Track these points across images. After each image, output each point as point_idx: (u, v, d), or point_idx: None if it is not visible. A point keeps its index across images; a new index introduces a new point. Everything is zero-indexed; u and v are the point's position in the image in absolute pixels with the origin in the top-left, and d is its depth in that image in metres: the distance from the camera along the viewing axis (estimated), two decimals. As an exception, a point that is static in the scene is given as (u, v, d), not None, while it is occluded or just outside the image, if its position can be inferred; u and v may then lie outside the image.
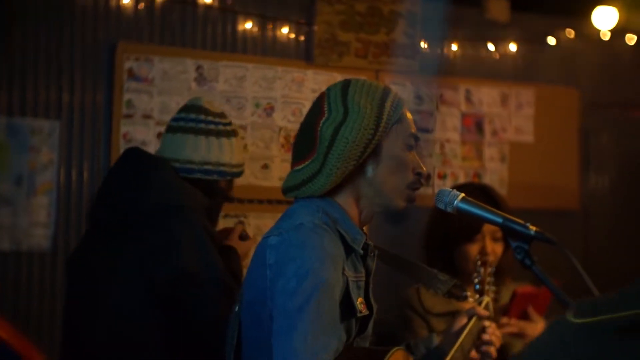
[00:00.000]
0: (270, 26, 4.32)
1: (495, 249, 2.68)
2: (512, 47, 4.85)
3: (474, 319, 2.17)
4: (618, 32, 4.89)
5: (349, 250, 1.83)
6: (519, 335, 2.55)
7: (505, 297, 2.64)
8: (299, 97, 4.34)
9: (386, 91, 1.91)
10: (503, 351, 2.36)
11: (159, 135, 3.88)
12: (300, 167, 1.88)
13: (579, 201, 5.05)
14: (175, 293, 2.31)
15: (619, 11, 4.72)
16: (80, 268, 2.52)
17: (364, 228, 1.93)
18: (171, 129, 2.57)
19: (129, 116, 3.99)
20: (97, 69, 3.98)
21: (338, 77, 4.20)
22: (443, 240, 2.73)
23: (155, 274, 2.31)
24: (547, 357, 0.88)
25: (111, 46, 3.99)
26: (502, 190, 4.58)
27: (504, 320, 2.53)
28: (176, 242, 2.32)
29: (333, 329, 1.67)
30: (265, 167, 4.26)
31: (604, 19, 4.73)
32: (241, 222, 2.73)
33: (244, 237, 2.62)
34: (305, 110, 2.01)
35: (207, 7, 4.18)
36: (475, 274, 2.38)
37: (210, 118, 2.53)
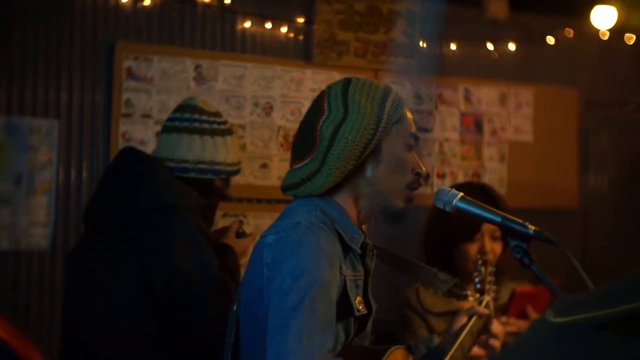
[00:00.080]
0: (269, 25, 4.32)
1: (494, 248, 2.68)
2: (511, 46, 4.85)
3: (474, 318, 2.17)
4: (617, 32, 4.89)
5: (347, 249, 1.83)
6: (518, 334, 2.55)
7: (504, 296, 2.64)
8: (298, 96, 4.34)
9: (387, 90, 1.91)
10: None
11: (157, 134, 3.88)
12: (299, 165, 1.88)
13: (578, 201, 5.05)
14: (170, 292, 2.31)
15: (618, 10, 4.72)
16: (78, 267, 2.53)
17: (363, 227, 1.93)
18: (166, 129, 2.58)
19: (127, 115, 3.99)
20: (96, 68, 3.98)
21: (337, 76, 4.20)
22: (442, 239, 2.73)
23: (151, 274, 2.32)
24: (525, 357, 0.88)
25: (110, 45, 3.99)
26: (501, 190, 4.58)
27: (503, 319, 2.53)
28: (171, 242, 2.32)
29: (328, 328, 1.67)
30: (264, 166, 4.26)
31: (603, 18, 4.73)
32: (240, 221, 2.72)
33: (240, 234, 2.61)
34: (304, 110, 2.01)
35: (206, 6, 4.18)
36: (475, 273, 2.38)
37: (204, 117, 2.54)
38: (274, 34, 4.35)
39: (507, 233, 1.69)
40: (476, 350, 2.17)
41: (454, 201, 1.78)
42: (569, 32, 4.91)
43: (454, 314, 2.37)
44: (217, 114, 2.58)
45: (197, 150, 2.49)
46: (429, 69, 4.56)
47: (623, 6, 4.72)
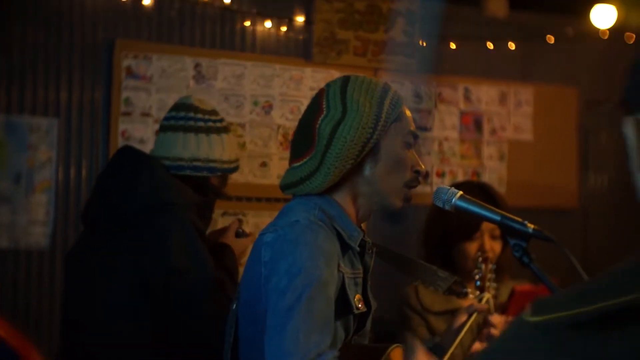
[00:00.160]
0: (268, 24, 4.32)
1: (493, 247, 2.68)
2: (511, 45, 4.85)
3: (474, 316, 2.17)
4: (617, 31, 4.89)
5: (345, 247, 1.83)
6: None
7: (503, 295, 2.64)
8: (298, 95, 4.34)
9: (385, 89, 1.90)
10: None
11: (157, 133, 3.88)
12: (298, 164, 1.88)
13: (578, 200, 5.05)
14: (165, 291, 2.32)
15: (618, 9, 4.71)
16: (77, 266, 2.53)
17: (362, 225, 1.93)
18: (162, 128, 2.59)
19: (127, 114, 3.99)
20: (96, 66, 3.98)
21: (336, 75, 4.18)
22: (442, 238, 2.73)
23: (147, 273, 2.33)
24: (502, 356, 0.88)
25: (109, 44, 3.98)
26: (500, 189, 4.58)
27: (503, 318, 2.53)
28: (165, 240, 2.33)
29: (326, 327, 1.67)
30: (264, 165, 4.26)
31: (603, 17, 4.73)
32: (239, 220, 2.72)
33: (240, 234, 2.61)
34: (303, 109, 2.01)
35: (206, 4, 4.17)
36: (476, 270, 2.38)
37: (199, 115, 2.54)
38: (273, 32, 4.34)
39: (506, 232, 1.69)
40: (477, 346, 2.17)
41: (454, 200, 1.78)
42: (569, 31, 4.90)
43: (453, 312, 2.38)
44: (213, 112, 2.59)
45: (192, 148, 2.50)
46: (428, 67, 4.56)
47: (623, 5, 4.71)
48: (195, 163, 2.50)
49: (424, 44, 4.61)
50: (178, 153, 2.50)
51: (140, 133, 3.99)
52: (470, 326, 2.14)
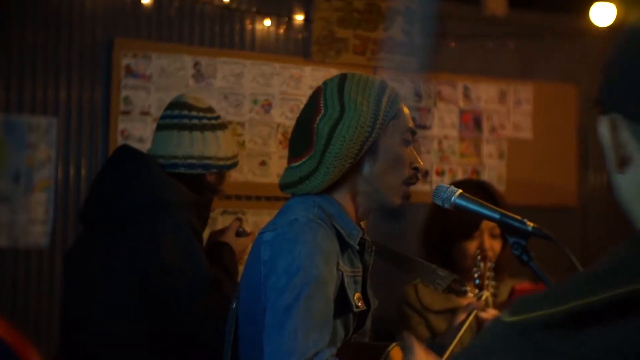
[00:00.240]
0: (268, 23, 4.32)
1: (493, 246, 2.68)
2: (511, 43, 4.85)
3: (473, 314, 2.17)
4: (616, 29, 4.88)
5: (345, 245, 1.82)
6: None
7: (503, 293, 2.64)
8: (297, 93, 4.34)
9: (382, 86, 1.90)
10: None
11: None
12: (297, 164, 1.88)
13: (577, 198, 5.05)
14: (159, 289, 2.33)
15: (617, 7, 4.71)
16: (76, 265, 2.54)
17: (362, 224, 1.93)
18: (158, 127, 2.60)
19: (126, 113, 3.99)
20: (95, 65, 3.98)
21: (336, 73, 4.18)
22: (441, 237, 2.73)
23: (141, 271, 2.34)
24: (478, 356, 0.88)
25: (108, 43, 3.98)
26: (500, 187, 4.58)
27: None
28: (159, 239, 2.33)
29: (325, 325, 1.67)
30: (263, 163, 4.26)
31: (602, 15, 4.72)
32: (239, 219, 2.72)
33: (240, 233, 2.61)
34: (303, 107, 2.01)
35: (205, 3, 4.17)
36: (475, 269, 2.38)
37: (194, 113, 2.55)
38: (273, 31, 4.34)
39: (505, 230, 1.68)
40: None
41: (453, 198, 1.78)
42: (569, 29, 4.90)
43: (453, 311, 2.38)
44: (208, 110, 2.59)
45: (186, 145, 2.51)
46: (427, 66, 4.56)
47: (622, 3, 4.71)
48: (189, 160, 2.50)
49: (423, 42, 4.61)
50: (172, 151, 2.51)
51: (139, 132, 3.99)
52: (470, 324, 2.14)
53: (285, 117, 4.30)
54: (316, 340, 1.62)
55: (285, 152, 1.95)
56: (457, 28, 4.72)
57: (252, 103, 4.26)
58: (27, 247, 3.83)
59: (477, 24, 4.77)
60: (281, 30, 4.35)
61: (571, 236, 4.84)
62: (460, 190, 1.79)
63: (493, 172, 4.84)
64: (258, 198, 4.25)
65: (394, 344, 1.81)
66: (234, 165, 2.62)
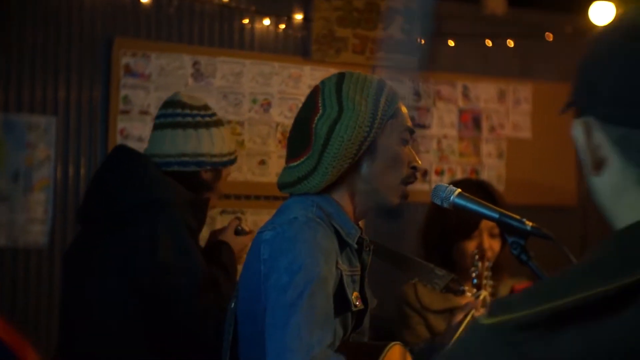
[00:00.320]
0: (267, 22, 4.32)
1: (492, 246, 2.68)
2: (510, 42, 4.85)
3: (471, 313, 2.17)
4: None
5: (343, 244, 1.82)
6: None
7: (503, 293, 2.64)
8: (296, 93, 4.34)
9: (380, 85, 1.90)
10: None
11: (154, 131, 3.89)
12: (295, 164, 1.87)
13: (577, 197, 5.05)
14: (158, 288, 2.33)
15: (616, 6, 4.71)
16: (74, 264, 2.54)
17: (360, 223, 1.92)
18: (154, 126, 2.61)
19: (125, 112, 3.99)
20: (94, 65, 3.98)
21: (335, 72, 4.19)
22: (440, 237, 2.72)
23: (136, 269, 2.34)
24: (458, 358, 0.89)
25: (108, 42, 3.98)
26: (499, 187, 4.58)
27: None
28: (154, 238, 2.34)
29: (328, 323, 1.67)
30: (262, 163, 4.25)
31: (602, 14, 4.72)
32: (238, 218, 2.71)
33: (239, 232, 2.61)
34: (302, 107, 2.00)
35: (204, 2, 4.17)
36: (472, 268, 2.38)
37: (187, 111, 2.55)
38: (272, 30, 4.34)
39: (504, 229, 1.68)
40: None
41: (452, 197, 1.77)
42: (568, 28, 4.90)
43: (452, 311, 2.38)
44: (203, 107, 2.59)
45: (180, 143, 2.51)
46: (427, 65, 4.56)
47: (621, 2, 4.71)
48: (183, 158, 2.51)
49: (422, 42, 4.61)
50: (167, 150, 2.51)
51: (138, 131, 3.99)
52: (468, 324, 2.14)
53: (285, 116, 4.30)
54: (319, 338, 1.62)
55: (284, 152, 1.95)
56: (456, 27, 4.72)
57: (252, 102, 4.26)
58: (27, 247, 3.83)
59: (477, 24, 4.77)
60: (280, 30, 4.35)
61: (570, 236, 4.83)
62: (459, 190, 1.79)
63: (492, 171, 4.84)
64: (257, 197, 4.25)
65: (392, 343, 1.81)
66: (229, 162, 2.61)
